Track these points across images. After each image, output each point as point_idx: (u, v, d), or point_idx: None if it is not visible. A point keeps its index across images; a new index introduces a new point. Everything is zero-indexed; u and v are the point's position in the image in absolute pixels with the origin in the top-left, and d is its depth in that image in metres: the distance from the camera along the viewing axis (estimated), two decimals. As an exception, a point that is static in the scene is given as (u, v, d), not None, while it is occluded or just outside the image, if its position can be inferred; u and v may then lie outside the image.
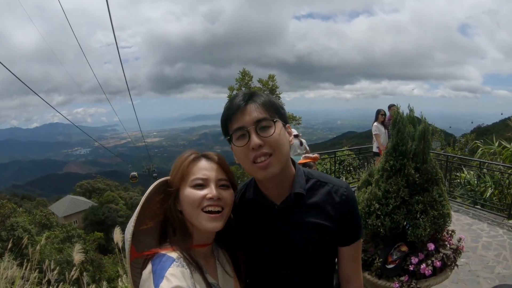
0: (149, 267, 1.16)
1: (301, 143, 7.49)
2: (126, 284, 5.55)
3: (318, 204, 1.41)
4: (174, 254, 1.20)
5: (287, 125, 1.38)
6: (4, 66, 7.32)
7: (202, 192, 1.26)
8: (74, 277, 6.34)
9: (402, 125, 2.96)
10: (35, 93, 9.96)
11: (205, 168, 1.31)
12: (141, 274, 1.19)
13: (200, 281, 1.21)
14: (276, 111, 1.32)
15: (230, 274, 1.42)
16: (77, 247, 6.32)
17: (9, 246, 9.97)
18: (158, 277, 1.10)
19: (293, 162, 1.46)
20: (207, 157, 1.36)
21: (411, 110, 3.07)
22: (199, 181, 1.28)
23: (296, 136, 7.27)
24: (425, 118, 2.99)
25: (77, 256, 5.99)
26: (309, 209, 1.41)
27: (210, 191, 1.27)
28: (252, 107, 1.29)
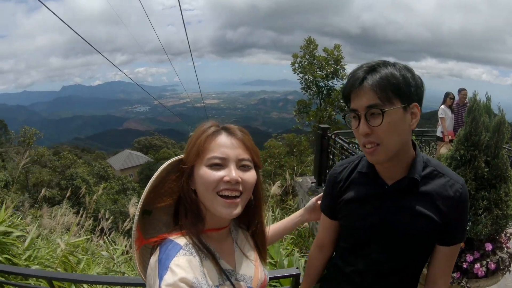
0: (156, 254, 1.05)
1: None
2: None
3: (430, 195, 1.33)
4: (182, 240, 1.07)
5: (414, 104, 1.25)
6: (68, 26, 7.60)
7: (219, 174, 1.09)
8: (126, 227, 6.71)
9: (478, 114, 2.72)
10: (99, 52, 10.07)
11: (224, 145, 1.12)
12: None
13: (211, 268, 1.09)
14: (396, 92, 1.20)
15: (250, 258, 1.28)
16: (133, 200, 6.61)
17: (68, 194, 10.75)
18: (162, 267, 0.99)
19: (414, 145, 1.37)
20: (229, 131, 1.16)
21: (488, 99, 2.84)
22: (217, 160, 1.10)
23: None
24: (502, 109, 2.76)
25: (132, 208, 6.21)
26: (420, 197, 1.33)
27: (229, 172, 1.09)
28: (366, 87, 1.20)
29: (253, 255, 1.30)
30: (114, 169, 48.14)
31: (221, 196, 1.08)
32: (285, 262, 3.90)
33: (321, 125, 6.57)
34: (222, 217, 1.12)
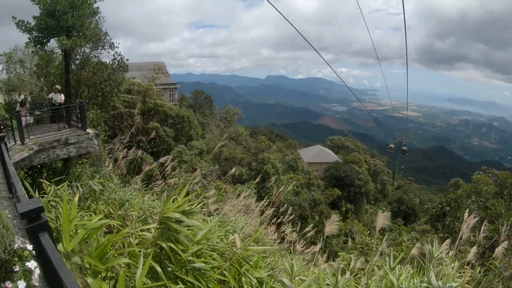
0: None
1: None
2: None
3: None
4: None
5: None
6: (289, 22, 8.36)
7: None
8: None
9: None
10: (315, 50, 10.60)
11: None
12: None
13: None
14: None
15: None
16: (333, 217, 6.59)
17: (257, 180, 11.25)
18: None
19: None
20: None
21: None
22: None
23: None
24: None
25: (329, 228, 6.28)
26: None
27: None
28: None
29: None
30: (303, 161, 49.40)
31: None
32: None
33: None
34: None
